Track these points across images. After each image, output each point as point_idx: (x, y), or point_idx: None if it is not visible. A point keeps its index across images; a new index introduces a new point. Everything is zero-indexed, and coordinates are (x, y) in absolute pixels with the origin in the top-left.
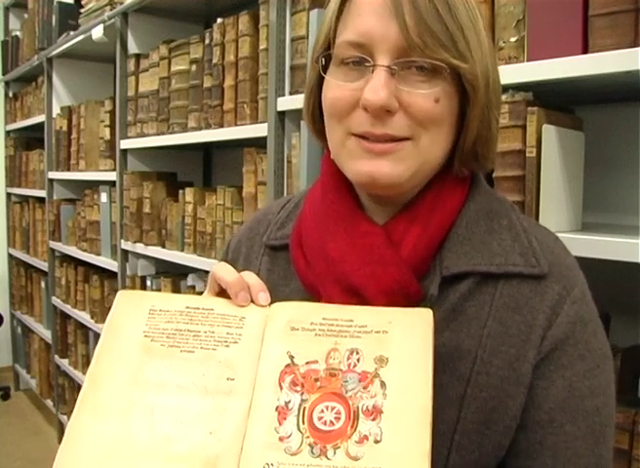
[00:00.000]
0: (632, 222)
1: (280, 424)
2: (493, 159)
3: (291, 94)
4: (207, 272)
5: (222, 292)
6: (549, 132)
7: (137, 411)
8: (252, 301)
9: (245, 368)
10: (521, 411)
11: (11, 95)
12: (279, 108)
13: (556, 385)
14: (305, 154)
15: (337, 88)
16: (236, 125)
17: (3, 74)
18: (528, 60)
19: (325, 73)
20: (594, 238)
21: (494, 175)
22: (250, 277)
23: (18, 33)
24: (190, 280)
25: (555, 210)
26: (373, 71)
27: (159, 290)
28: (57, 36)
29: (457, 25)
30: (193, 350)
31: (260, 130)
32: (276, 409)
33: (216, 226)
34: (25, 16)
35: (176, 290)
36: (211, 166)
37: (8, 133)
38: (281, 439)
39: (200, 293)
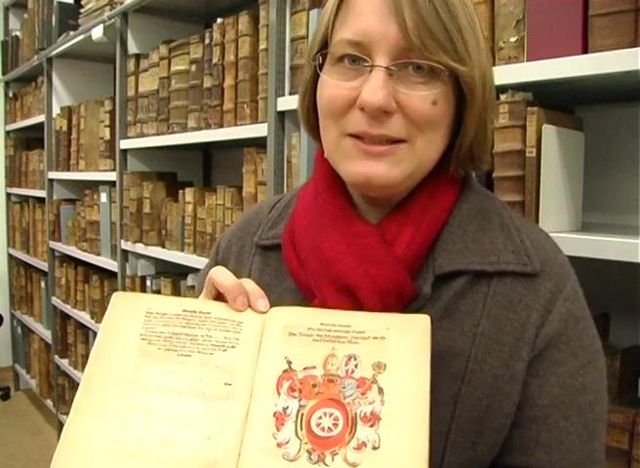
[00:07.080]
0: (632, 222)
1: (278, 430)
2: (488, 160)
3: (291, 94)
4: None
5: (219, 297)
6: (549, 132)
7: (134, 414)
8: (249, 307)
9: (243, 373)
10: (515, 409)
11: (11, 95)
12: (279, 108)
13: (550, 382)
14: (305, 154)
15: (333, 87)
16: (236, 125)
17: (3, 74)
18: (528, 60)
19: (321, 71)
20: (594, 238)
21: (494, 175)
22: (248, 283)
23: (18, 33)
24: (190, 280)
25: (555, 210)
26: (371, 71)
27: (159, 290)
28: (56, 36)
29: (456, 27)
30: (190, 354)
31: (259, 130)
32: (274, 414)
33: (216, 226)
34: (25, 16)
35: (176, 290)
36: (211, 166)
37: (8, 133)
38: (279, 445)
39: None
